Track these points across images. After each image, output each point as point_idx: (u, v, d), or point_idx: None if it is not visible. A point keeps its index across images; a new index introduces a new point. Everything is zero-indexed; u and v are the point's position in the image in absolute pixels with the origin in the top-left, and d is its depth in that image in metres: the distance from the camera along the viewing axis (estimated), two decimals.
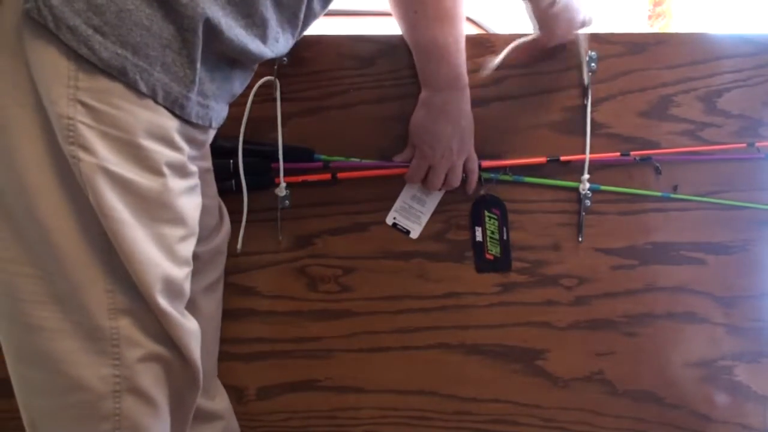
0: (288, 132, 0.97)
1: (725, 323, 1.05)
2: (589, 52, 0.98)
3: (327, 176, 0.97)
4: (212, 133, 0.71)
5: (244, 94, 0.93)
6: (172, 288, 0.64)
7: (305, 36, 0.98)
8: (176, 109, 0.61)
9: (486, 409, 1.07)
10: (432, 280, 1.03)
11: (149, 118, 0.59)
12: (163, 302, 0.62)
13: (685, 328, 1.05)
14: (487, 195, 1.00)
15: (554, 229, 1.02)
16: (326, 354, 1.05)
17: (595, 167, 1.00)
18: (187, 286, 0.67)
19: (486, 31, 1.95)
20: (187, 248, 0.67)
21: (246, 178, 0.94)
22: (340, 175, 0.97)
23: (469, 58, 0.97)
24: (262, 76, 0.95)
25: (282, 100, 0.96)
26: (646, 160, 0.99)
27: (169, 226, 0.63)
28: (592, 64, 0.98)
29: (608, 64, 0.99)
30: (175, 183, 0.63)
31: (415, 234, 1.01)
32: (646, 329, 1.05)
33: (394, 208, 1.00)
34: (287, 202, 0.99)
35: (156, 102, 0.59)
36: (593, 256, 1.03)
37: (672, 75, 0.99)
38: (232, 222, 0.98)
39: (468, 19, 1.98)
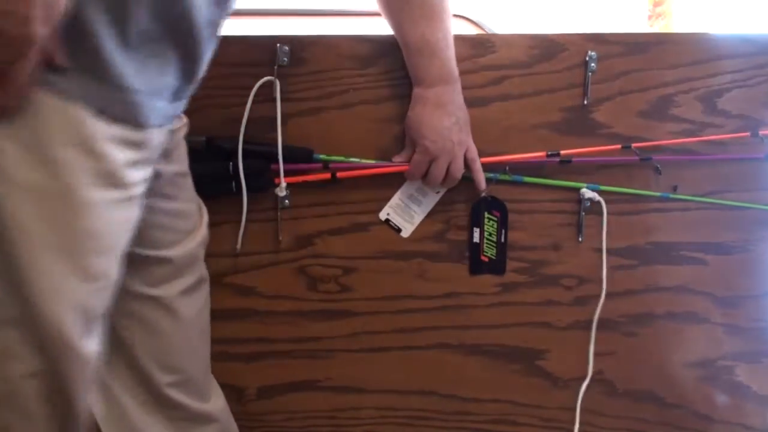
0: (288, 132, 0.97)
1: (725, 323, 1.05)
2: (589, 51, 0.98)
3: (327, 176, 0.97)
4: (158, 133, 0.66)
5: (244, 95, 0.93)
6: (78, 305, 0.61)
7: (305, 36, 0.98)
8: (91, 109, 0.57)
9: (486, 409, 1.07)
10: (432, 280, 1.03)
11: (61, 124, 0.56)
12: (56, 317, 0.59)
13: (685, 328, 1.05)
14: (489, 196, 1.00)
15: (554, 229, 1.02)
16: (326, 354, 1.05)
17: (596, 167, 1.00)
18: (95, 303, 0.64)
19: (486, 31, 1.95)
20: (100, 264, 0.63)
21: (246, 180, 0.94)
22: (339, 174, 0.97)
23: (468, 58, 0.97)
24: (262, 77, 0.95)
25: (282, 100, 0.96)
26: (646, 159, 0.99)
27: (79, 240, 0.60)
28: (592, 64, 0.98)
29: (608, 64, 0.99)
30: (94, 194, 0.59)
31: (406, 233, 1.01)
32: (646, 329, 1.05)
33: (389, 204, 1.00)
34: (287, 202, 0.99)
35: (68, 104, 0.56)
36: (593, 256, 1.03)
37: (672, 75, 0.99)
38: (231, 222, 0.98)
39: (468, 19, 1.98)
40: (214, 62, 0.96)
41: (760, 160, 1.01)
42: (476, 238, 1.01)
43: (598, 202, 1.00)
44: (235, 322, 1.03)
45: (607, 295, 1.03)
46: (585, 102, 0.99)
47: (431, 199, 1.00)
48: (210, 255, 1.01)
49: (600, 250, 1.02)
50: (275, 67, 0.95)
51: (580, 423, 1.07)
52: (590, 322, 1.04)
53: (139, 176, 0.65)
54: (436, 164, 0.94)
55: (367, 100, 0.98)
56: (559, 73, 0.99)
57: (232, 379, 1.05)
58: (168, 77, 0.65)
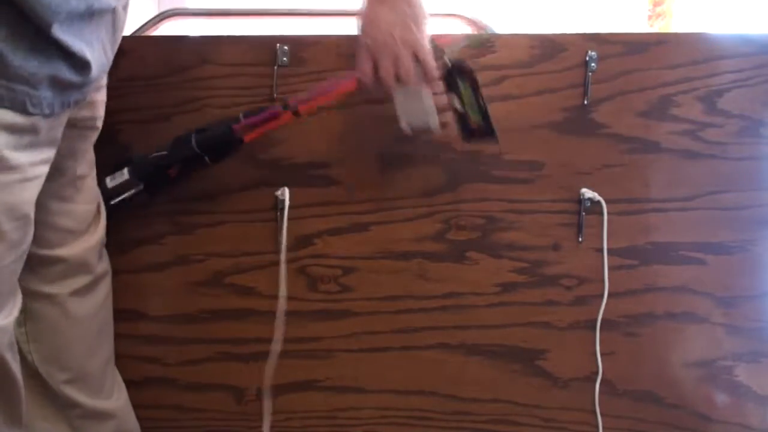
0: (288, 132, 0.97)
1: (725, 323, 1.05)
2: (589, 51, 0.98)
3: (288, 116, 0.91)
4: (46, 122, 0.67)
5: (244, 95, 0.93)
6: None
7: (305, 36, 0.98)
8: None
9: (486, 409, 1.07)
10: (432, 280, 1.03)
11: None
12: None
13: (685, 328, 1.05)
14: (454, 62, 0.90)
15: (554, 229, 1.02)
16: (326, 354, 1.05)
17: (595, 167, 1.00)
18: None
19: (486, 31, 1.95)
20: None
21: (213, 152, 0.91)
22: (301, 108, 0.90)
23: (468, 58, 0.97)
24: (262, 77, 0.95)
25: (282, 100, 0.96)
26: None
27: None
28: (592, 64, 0.98)
29: (608, 64, 0.99)
30: None
31: (435, 124, 0.93)
32: (646, 329, 1.05)
33: (398, 116, 0.93)
34: (287, 202, 0.99)
35: None
36: (593, 256, 1.03)
37: (672, 75, 0.99)
38: (232, 222, 0.98)
39: (468, 19, 1.98)
40: (214, 62, 0.96)
41: (760, 159, 1.01)
42: (458, 105, 0.93)
43: (598, 202, 1.00)
44: (235, 322, 1.03)
45: (608, 295, 1.03)
46: (585, 102, 0.99)
47: (422, 92, 0.91)
48: (210, 255, 1.02)
49: (600, 250, 1.02)
50: (275, 67, 0.95)
51: (580, 423, 1.07)
52: (590, 322, 1.04)
53: (27, 159, 0.66)
54: (380, 65, 0.85)
55: (367, 100, 0.98)
56: (559, 73, 0.99)
57: (232, 379, 1.05)
58: (54, 65, 0.65)
